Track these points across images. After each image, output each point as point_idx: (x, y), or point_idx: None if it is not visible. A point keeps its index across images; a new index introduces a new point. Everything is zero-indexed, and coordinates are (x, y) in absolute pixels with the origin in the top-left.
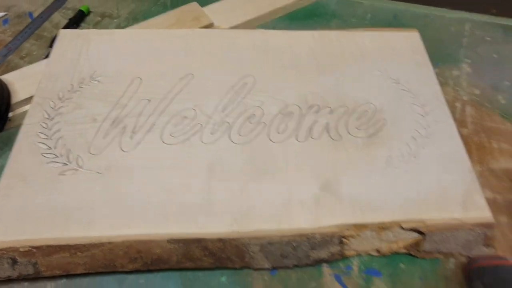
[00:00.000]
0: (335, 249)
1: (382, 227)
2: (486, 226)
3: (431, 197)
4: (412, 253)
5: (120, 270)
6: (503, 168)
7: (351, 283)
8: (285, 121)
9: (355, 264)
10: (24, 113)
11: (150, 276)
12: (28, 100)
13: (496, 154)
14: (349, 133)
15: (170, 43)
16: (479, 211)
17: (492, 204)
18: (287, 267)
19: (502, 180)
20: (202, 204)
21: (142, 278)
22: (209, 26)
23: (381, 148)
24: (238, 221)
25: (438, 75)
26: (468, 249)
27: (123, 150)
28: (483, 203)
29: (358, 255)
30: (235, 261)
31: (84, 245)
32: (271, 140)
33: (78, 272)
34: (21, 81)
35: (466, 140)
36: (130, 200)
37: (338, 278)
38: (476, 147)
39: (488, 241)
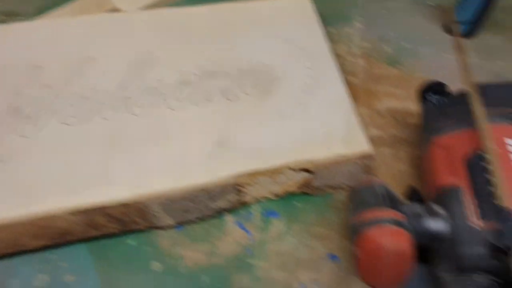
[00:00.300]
0: (233, 197)
1: (274, 172)
2: (367, 157)
3: (317, 139)
4: (305, 191)
5: (28, 248)
6: (387, 107)
7: (252, 227)
8: (183, 89)
9: (254, 209)
10: None
11: (59, 250)
12: None
13: (381, 96)
14: (244, 93)
15: (70, 30)
16: (360, 145)
17: (378, 139)
18: (191, 221)
19: (386, 118)
20: (102, 175)
21: (51, 253)
22: (114, 11)
23: (274, 102)
24: (138, 185)
25: (333, 33)
26: (353, 180)
27: (24, 137)
28: (363, 138)
29: (257, 200)
30: (140, 222)
31: None
32: (170, 109)
33: None
34: None
35: (356, 88)
36: (31, 181)
37: (240, 224)
38: (364, 92)
39: (369, 171)
